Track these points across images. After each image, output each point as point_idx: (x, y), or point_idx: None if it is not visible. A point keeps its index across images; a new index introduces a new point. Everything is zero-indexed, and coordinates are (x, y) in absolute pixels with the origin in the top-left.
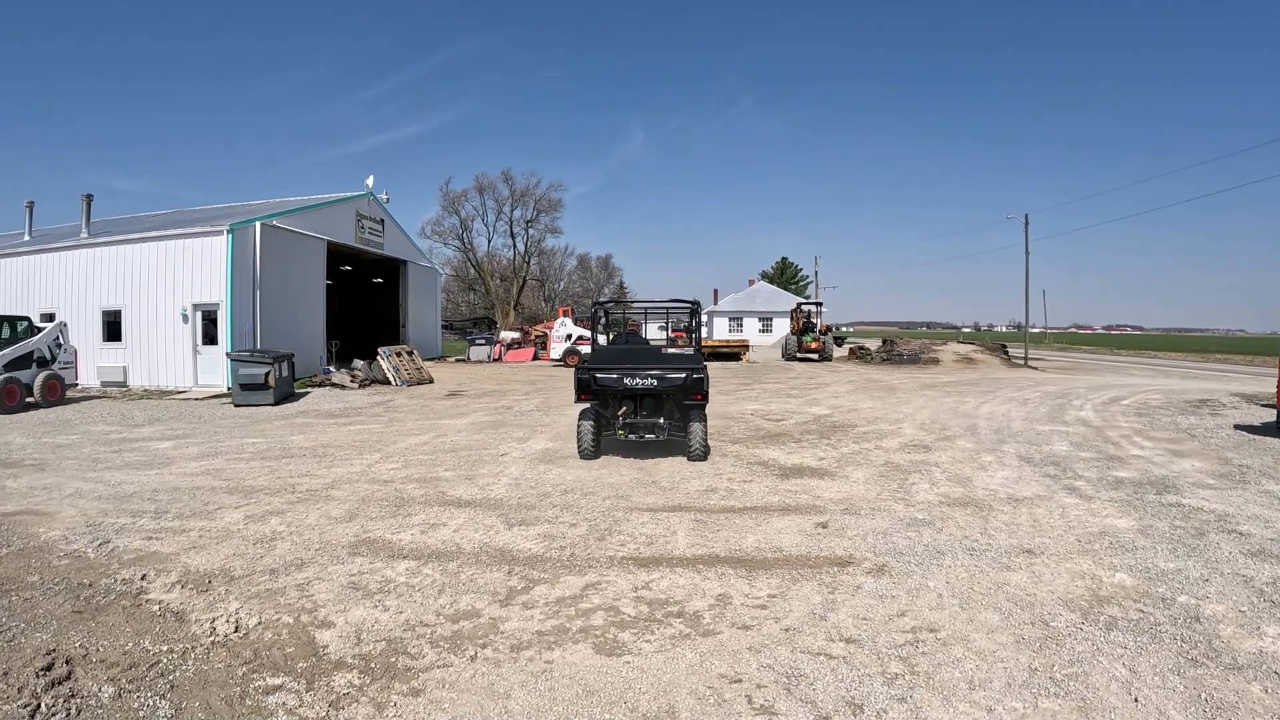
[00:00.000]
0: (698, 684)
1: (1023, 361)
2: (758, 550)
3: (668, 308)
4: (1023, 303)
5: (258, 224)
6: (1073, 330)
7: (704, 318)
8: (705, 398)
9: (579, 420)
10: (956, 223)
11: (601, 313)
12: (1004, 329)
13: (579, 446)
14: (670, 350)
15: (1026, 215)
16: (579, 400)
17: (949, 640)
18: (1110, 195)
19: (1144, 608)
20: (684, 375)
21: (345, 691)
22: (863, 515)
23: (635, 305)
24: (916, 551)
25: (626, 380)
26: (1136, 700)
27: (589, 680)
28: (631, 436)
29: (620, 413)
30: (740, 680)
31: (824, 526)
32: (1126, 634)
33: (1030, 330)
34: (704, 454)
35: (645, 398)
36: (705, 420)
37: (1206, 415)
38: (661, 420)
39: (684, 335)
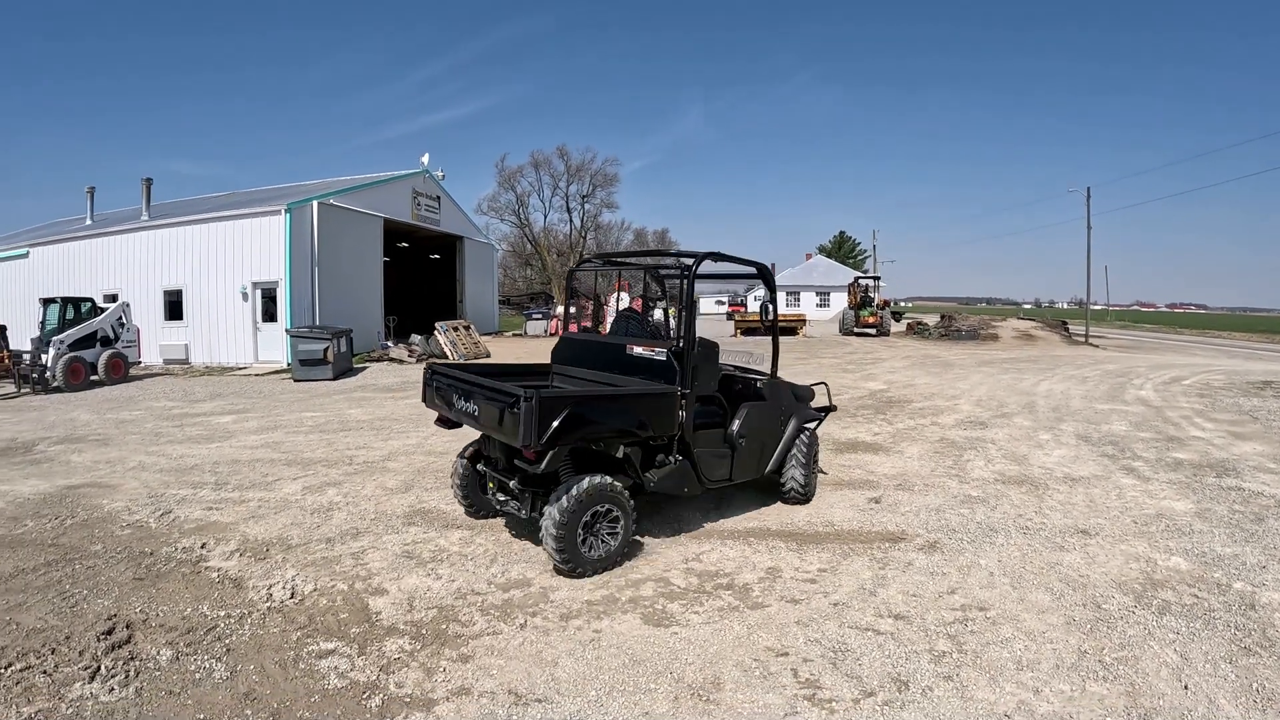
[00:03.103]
0: (744, 656)
1: (1083, 339)
2: (809, 524)
3: (671, 267)
4: (1084, 279)
5: (315, 203)
6: (1135, 308)
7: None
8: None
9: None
10: (1018, 197)
11: (619, 277)
12: (1065, 305)
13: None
14: (636, 350)
15: (1089, 188)
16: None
17: (998, 619)
18: (1175, 168)
19: (1198, 593)
20: (501, 406)
21: (396, 656)
22: (916, 491)
23: (626, 263)
24: (969, 529)
25: (456, 402)
26: (1186, 688)
27: (636, 650)
28: (499, 502)
29: (467, 454)
30: (787, 654)
31: (877, 502)
32: (1179, 619)
33: (1092, 307)
34: (573, 567)
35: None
36: (570, 502)
37: (1270, 397)
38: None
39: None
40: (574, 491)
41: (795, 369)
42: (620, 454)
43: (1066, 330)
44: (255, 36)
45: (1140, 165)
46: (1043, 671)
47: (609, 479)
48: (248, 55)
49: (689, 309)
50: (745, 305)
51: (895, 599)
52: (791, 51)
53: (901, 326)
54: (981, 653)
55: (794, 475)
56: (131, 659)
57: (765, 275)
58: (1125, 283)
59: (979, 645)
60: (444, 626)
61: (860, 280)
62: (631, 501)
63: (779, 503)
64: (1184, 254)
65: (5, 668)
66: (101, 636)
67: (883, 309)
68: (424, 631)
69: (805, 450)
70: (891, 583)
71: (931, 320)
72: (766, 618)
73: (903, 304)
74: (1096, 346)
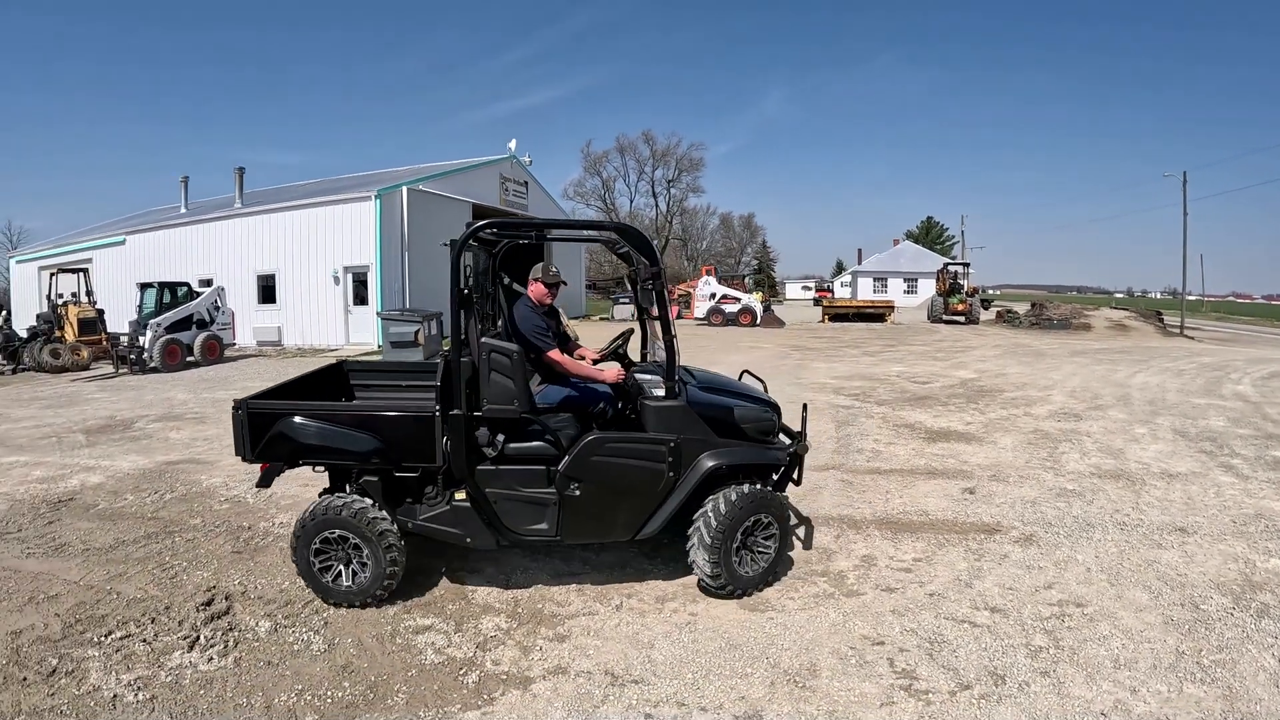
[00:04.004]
0: (840, 644)
1: (1178, 330)
2: (903, 513)
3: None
4: (1178, 268)
5: (404, 189)
6: (1230, 299)
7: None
8: None
9: None
10: (1110, 182)
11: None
12: (1158, 295)
13: None
14: None
15: (1185, 173)
16: None
17: (1096, 616)
18: (1277, 151)
19: None
20: None
21: (493, 634)
22: (1011, 483)
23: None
24: (1065, 523)
25: None
26: None
27: (732, 634)
28: None
29: None
30: (883, 643)
31: (971, 492)
32: (1278, 623)
33: (1186, 298)
34: None
35: None
36: (304, 517)
37: None
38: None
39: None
40: (309, 509)
41: (884, 356)
42: (357, 480)
43: (1161, 321)
44: (342, 28)
45: (1239, 148)
46: (1140, 671)
47: (358, 502)
48: (335, 46)
49: (458, 299)
50: (832, 290)
51: (991, 591)
52: (877, 32)
53: (991, 315)
54: (1079, 649)
55: (696, 555)
56: (230, 629)
57: (633, 239)
58: (1220, 272)
59: (1076, 642)
60: (540, 606)
61: (949, 267)
62: (388, 536)
63: (871, 491)
64: None
65: (106, 636)
66: (201, 607)
67: (972, 296)
68: (520, 610)
69: (719, 517)
70: (987, 575)
71: (1021, 308)
72: (862, 605)
73: (991, 291)
74: (1192, 339)
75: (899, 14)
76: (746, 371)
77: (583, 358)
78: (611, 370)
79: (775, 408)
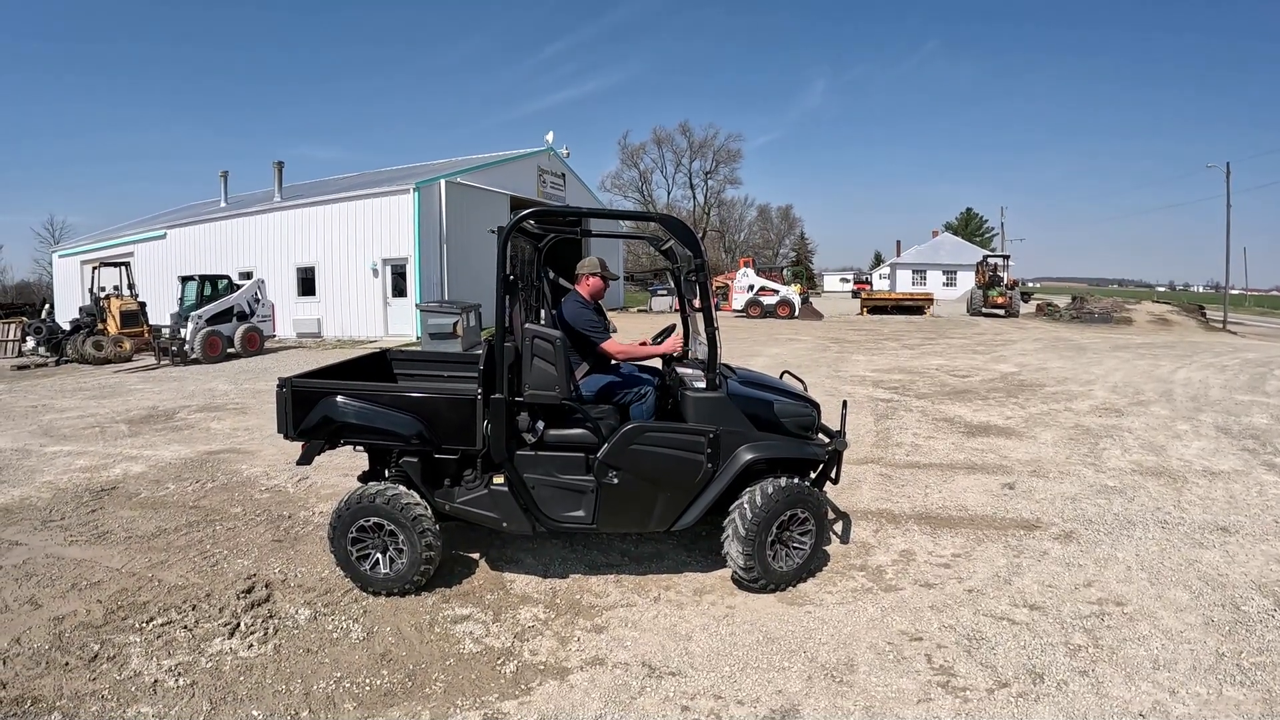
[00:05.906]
0: (878, 639)
1: (1221, 325)
2: (942, 508)
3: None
4: (1220, 261)
5: (442, 181)
6: (1274, 293)
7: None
8: None
9: None
10: (1153, 173)
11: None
12: (1200, 289)
13: None
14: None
15: (1228, 164)
16: None
17: (1135, 616)
18: None
19: None
20: None
21: (530, 624)
22: (1051, 479)
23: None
24: (1106, 520)
25: None
26: None
27: (770, 627)
28: None
29: None
30: (921, 639)
31: (1010, 488)
32: None
33: (1229, 291)
34: None
35: None
36: (339, 507)
37: None
38: None
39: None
40: (344, 499)
41: (924, 349)
42: (396, 462)
43: (1204, 316)
44: (378, 22)
45: None
46: (1179, 672)
47: (391, 489)
48: (373, 40)
49: (503, 284)
50: (871, 283)
51: (1030, 588)
52: (920, 18)
53: (1030, 308)
54: (1118, 649)
55: (730, 547)
56: (270, 617)
57: (678, 230)
58: (1265, 266)
59: (1115, 641)
60: (578, 597)
61: (989, 259)
62: (423, 521)
63: (910, 485)
64: None
65: (148, 622)
66: (241, 595)
67: (1012, 289)
68: (558, 601)
69: (755, 510)
70: (1026, 571)
71: (1062, 302)
72: (900, 601)
73: (1030, 284)
74: (1235, 334)
75: (942, 2)
76: (787, 372)
77: None
78: (671, 341)
79: (815, 405)
